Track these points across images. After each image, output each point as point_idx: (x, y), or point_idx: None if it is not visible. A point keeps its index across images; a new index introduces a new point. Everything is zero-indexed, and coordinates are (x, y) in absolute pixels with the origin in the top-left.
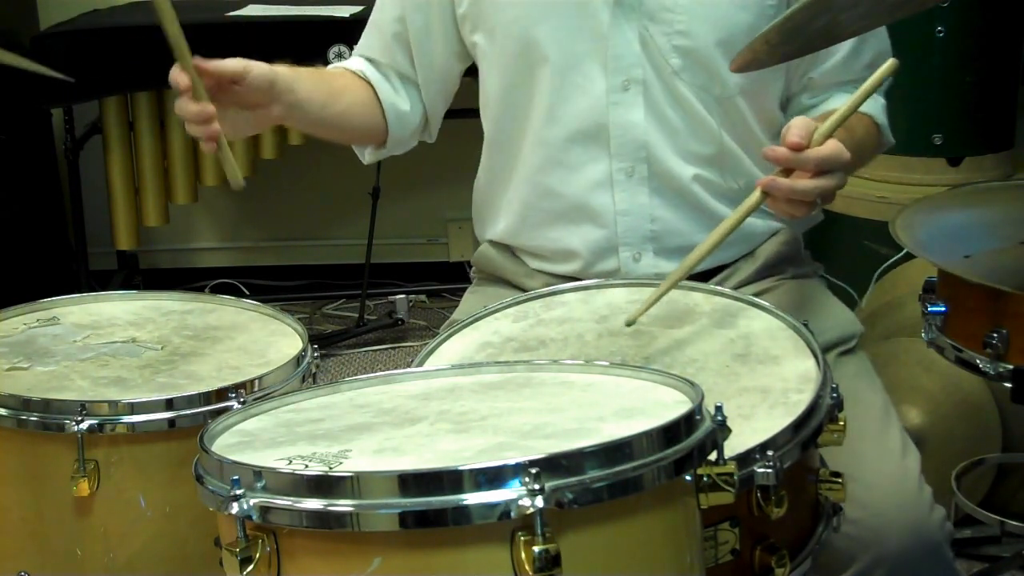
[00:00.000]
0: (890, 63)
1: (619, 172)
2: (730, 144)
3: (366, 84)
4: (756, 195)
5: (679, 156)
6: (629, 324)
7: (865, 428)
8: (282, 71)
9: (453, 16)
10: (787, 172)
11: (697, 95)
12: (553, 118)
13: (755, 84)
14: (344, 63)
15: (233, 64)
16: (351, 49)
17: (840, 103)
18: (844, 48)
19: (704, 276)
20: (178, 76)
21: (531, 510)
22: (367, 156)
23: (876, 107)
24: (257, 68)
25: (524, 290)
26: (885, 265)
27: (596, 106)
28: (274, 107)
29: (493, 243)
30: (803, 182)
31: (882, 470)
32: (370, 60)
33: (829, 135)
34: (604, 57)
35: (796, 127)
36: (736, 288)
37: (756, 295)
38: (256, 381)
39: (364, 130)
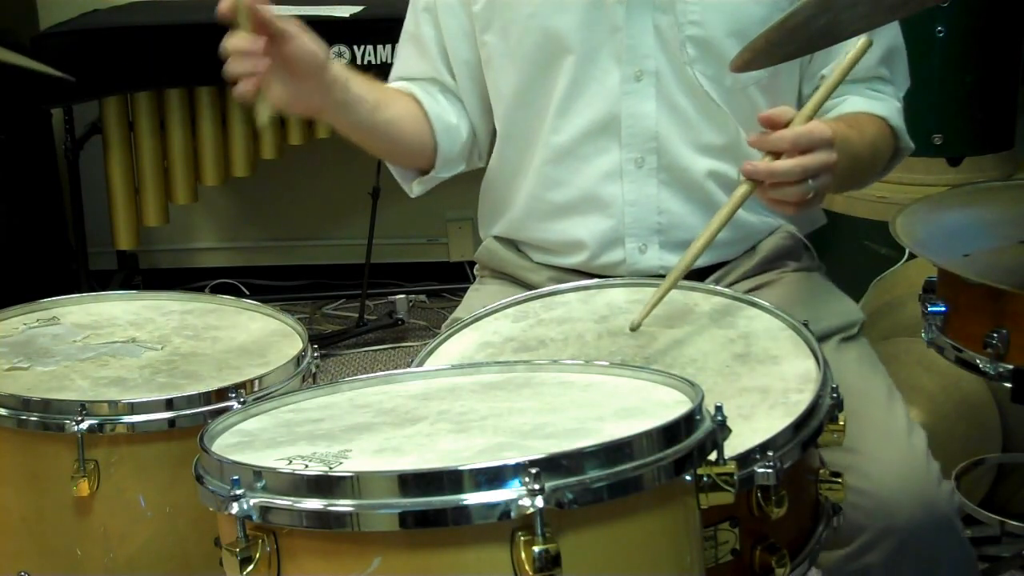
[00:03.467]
0: (862, 42)
1: (628, 162)
2: (742, 135)
3: (412, 98)
4: (743, 187)
5: (690, 147)
6: (634, 329)
7: (871, 408)
8: (337, 64)
9: None
10: (773, 158)
11: (710, 85)
12: (568, 110)
13: (769, 76)
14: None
15: (284, 24)
16: (351, 49)
17: (856, 104)
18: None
19: (704, 272)
20: (226, 5)
21: (531, 510)
22: (415, 188)
23: (891, 110)
24: (307, 39)
25: (528, 285)
26: (886, 262)
27: (609, 97)
28: (319, 95)
29: (497, 238)
30: (783, 162)
31: (889, 445)
32: (410, 80)
33: (809, 118)
34: (619, 48)
35: (773, 112)
36: (737, 281)
37: (757, 288)
38: (256, 381)
39: (412, 144)
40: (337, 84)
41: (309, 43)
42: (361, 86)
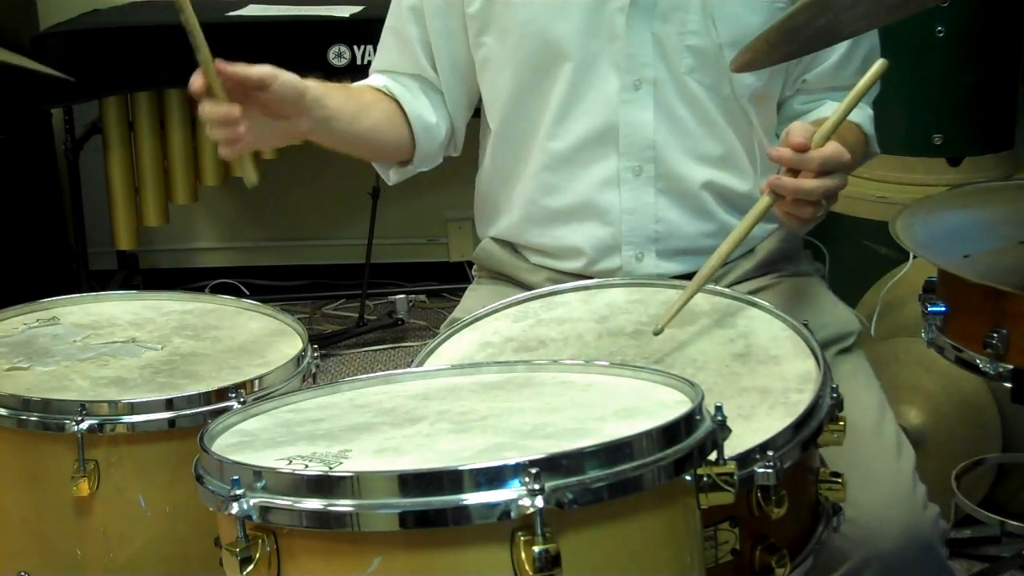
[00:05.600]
0: (880, 63)
1: (626, 171)
2: (738, 144)
3: (391, 99)
4: (765, 199)
5: (688, 156)
6: (657, 333)
7: (860, 427)
8: (312, 84)
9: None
10: (792, 174)
11: (708, 95)
12: (566, 117)
13: (765, 86)
14: (364, 81)
15: (259, 70)
16: (351, 49)
17: (832, 109)
18: (837, 53)
19: None
20: (195, 79)
21: (531, 510)
22: (392, 176)
23: (864, 117)
24: (285, 76)
25: (526, 286)
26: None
27: (608, 105)
28: (302, 121)
29: (495, 239)
30: (808, 182)
31: (876, 468)
32: (391, 73)
33: (828, 137)
34: (618, 56)
35: (798, 129)
36: (735, 284)
37: (755, 292)
38: (256, 381)
39: (391, 146)
40: (316, 105)
41: (285, 81)
42: (337, 98)
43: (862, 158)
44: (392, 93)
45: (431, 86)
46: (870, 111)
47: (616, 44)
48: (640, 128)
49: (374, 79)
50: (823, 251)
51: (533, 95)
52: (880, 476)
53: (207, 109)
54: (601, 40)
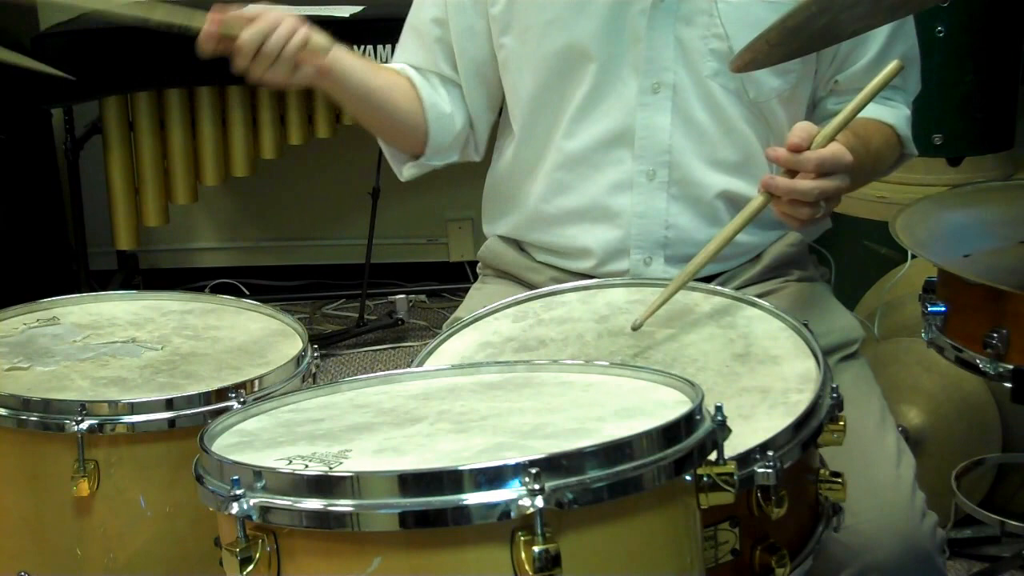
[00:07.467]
0: (893, 65)
1: (640, 174)
2: (758, 150)
3: (407, 79)
4: (759, 199)
5: (704, 162)
6: (635, 328)
7: (861, 434)
8: (317, 34)
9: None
10: (791, 175)
11: (731, 100)
12: (584, 117)
13: (792, 88)
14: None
15: (249, 7)
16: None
17: (865, 109)
18: (870, 52)
19: (709, 278)
20: (209, 30)
21: (531, 510)
22: (405, 172)
23: (900, 118)
24: (279, 8)
25: (531, 285)
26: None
27: (626, 108)
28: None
29: (502, 237)
30: (803, 182)
31: (875, 477)
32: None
33: (831, 138)
34: (638, 59)
35: (798, 130)
36: (741, 288)
37: (761, 296)
38: (256, 381)
39: (405, 120)
40: (322, 43)
41: (277, 8)
42: (345, 52)
43: (895, 161)
44: (408, 76)
45: (449, 81)
46: (907, 112)
47: (638, 46)
48: (656, 132)
49: (393, 65)
50: (828, 258)
51: (554, 95)
52: (879, 484)
53: (248, 36)
54: (623, 42)
